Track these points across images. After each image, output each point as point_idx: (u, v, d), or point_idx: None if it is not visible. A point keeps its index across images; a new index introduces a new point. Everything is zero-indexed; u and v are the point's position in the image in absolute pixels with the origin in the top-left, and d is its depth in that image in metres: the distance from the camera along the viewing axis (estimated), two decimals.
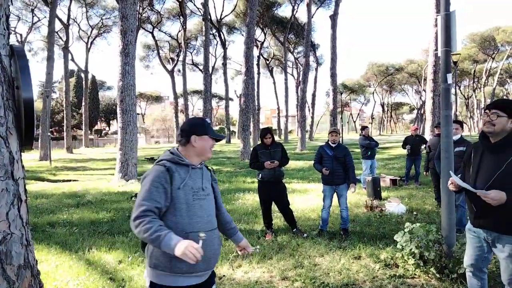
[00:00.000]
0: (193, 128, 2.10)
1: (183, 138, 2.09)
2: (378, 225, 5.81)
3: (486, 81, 54.01)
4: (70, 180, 13.14)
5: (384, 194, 8.35)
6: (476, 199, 2.51)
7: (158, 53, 42.78)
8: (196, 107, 72.71)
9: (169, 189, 1.94)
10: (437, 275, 3.74)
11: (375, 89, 65.46)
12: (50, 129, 29.77)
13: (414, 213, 6.61)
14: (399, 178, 10.16)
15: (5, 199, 1.52)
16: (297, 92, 44.86)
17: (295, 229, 5.53)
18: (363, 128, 9.85)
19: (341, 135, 22.45)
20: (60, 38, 35.97)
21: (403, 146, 10.02)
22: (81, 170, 17.16)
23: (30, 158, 23.18)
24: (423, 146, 9.56)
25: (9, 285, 1.49)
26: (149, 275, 1.99)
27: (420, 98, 60.56)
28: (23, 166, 1.69)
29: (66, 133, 31.77)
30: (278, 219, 6.20)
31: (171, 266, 1.90)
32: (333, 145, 5.56)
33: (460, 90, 59.54)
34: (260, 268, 4.24)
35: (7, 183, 1.53)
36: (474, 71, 53.94)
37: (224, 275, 4.08)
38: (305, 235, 5.39)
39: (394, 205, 6.82)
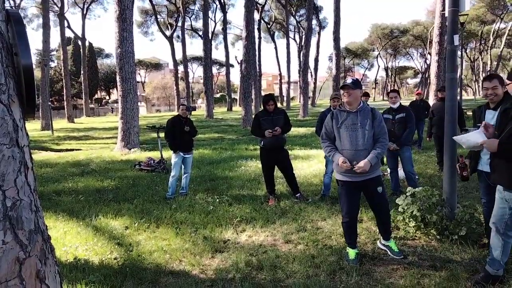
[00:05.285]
0: None
1: None
2: None
3: (494, 43, 52.55)
4: (73, 149, 13.24)
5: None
6: (492, 155, 2.82)
7: (156, 19, 41.60)
8: (196, 74, 71.79)
9: None
10: (438, 237, 3.83)
11: (379, 53, 64.03)
12: (50, 99, 29.57)
13: (416, 177, 6.65)
14: None
15: (12, 166, 1.53)
16: (299, 57, 44.00)
17: (298, 194, 5.62)
18: (365, 94, 9.70)
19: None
20: (55, 4, 34.85)
21: None
22: (83, 139, 17.24)
23: (32, 128, 23.23)
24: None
25: (22, 249, 1.54)
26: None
27: (425, 61, 59.31)
28: (27, 134, 1.69)
29: (66, 102, 31.56)
30: (280, 185, 6.28)
31: None
32: None
33: (466, 53, 58.10)
34: (263, 232, 4.35)
35: (13, 151, 1.54)
36: (481, 32, 52.36)
37: (228, 239, 4.19)
38: (308, 200, 5.47)
39: None
